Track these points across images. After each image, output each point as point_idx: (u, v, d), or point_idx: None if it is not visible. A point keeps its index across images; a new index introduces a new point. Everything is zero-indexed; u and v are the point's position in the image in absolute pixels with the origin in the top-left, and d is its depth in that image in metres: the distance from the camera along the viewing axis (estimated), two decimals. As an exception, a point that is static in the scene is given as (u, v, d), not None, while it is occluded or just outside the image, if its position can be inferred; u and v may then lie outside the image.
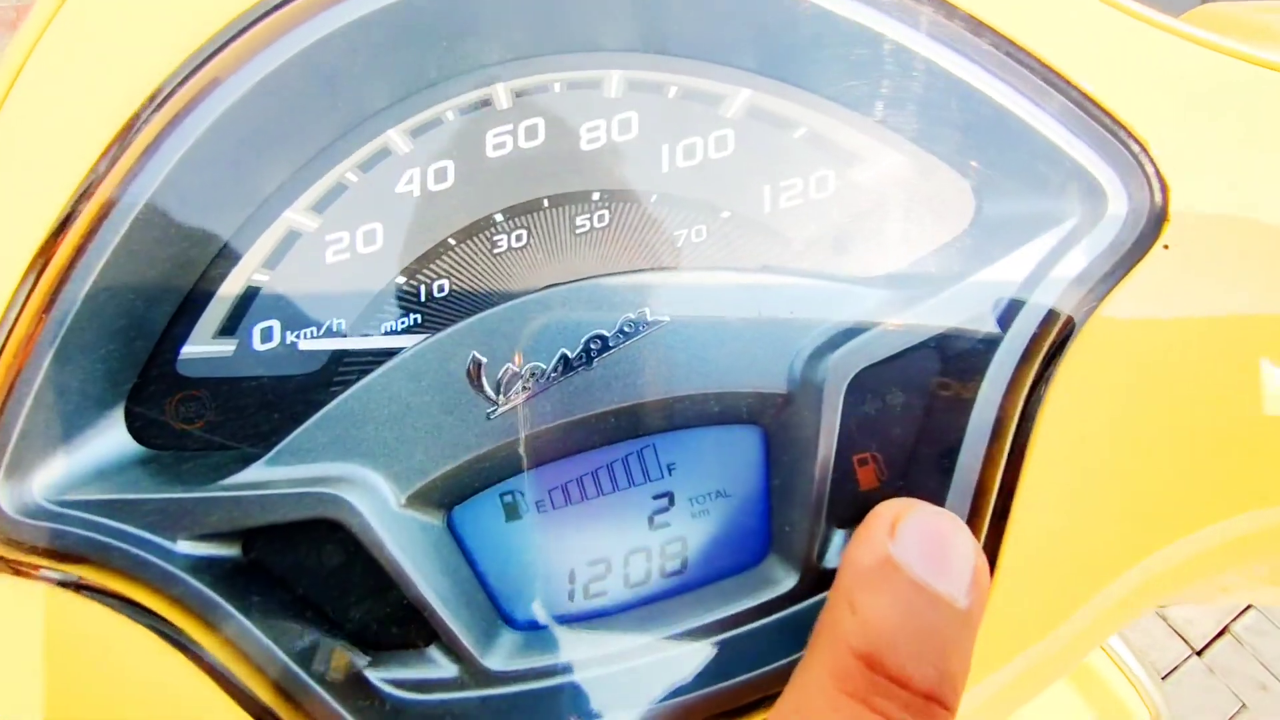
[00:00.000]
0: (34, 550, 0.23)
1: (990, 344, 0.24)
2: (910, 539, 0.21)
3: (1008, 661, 0.24)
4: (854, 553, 0.22)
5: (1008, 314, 0.24)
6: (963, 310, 0.24)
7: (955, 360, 0.24)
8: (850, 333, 0.24)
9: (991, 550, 0.24)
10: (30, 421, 0.23)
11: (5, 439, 0.23)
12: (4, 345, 0.23)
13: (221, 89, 0.23)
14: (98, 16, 0.23)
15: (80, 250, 0.23)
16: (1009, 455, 0.24)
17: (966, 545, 0.21)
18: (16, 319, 0.23)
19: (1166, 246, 0.24)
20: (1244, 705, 2.23)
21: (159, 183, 0.23)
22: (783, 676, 0.23)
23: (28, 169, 0.23)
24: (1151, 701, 0.54)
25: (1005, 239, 0.25)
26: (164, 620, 0.23)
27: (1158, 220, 0.24)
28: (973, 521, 0.24)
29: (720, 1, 0.24)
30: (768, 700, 0.23)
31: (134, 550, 0.23)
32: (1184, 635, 2.34)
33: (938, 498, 0.24)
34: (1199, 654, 2.31)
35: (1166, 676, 2.25)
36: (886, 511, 0.22)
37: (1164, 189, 0.24)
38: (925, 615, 0.20)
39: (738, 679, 0.23)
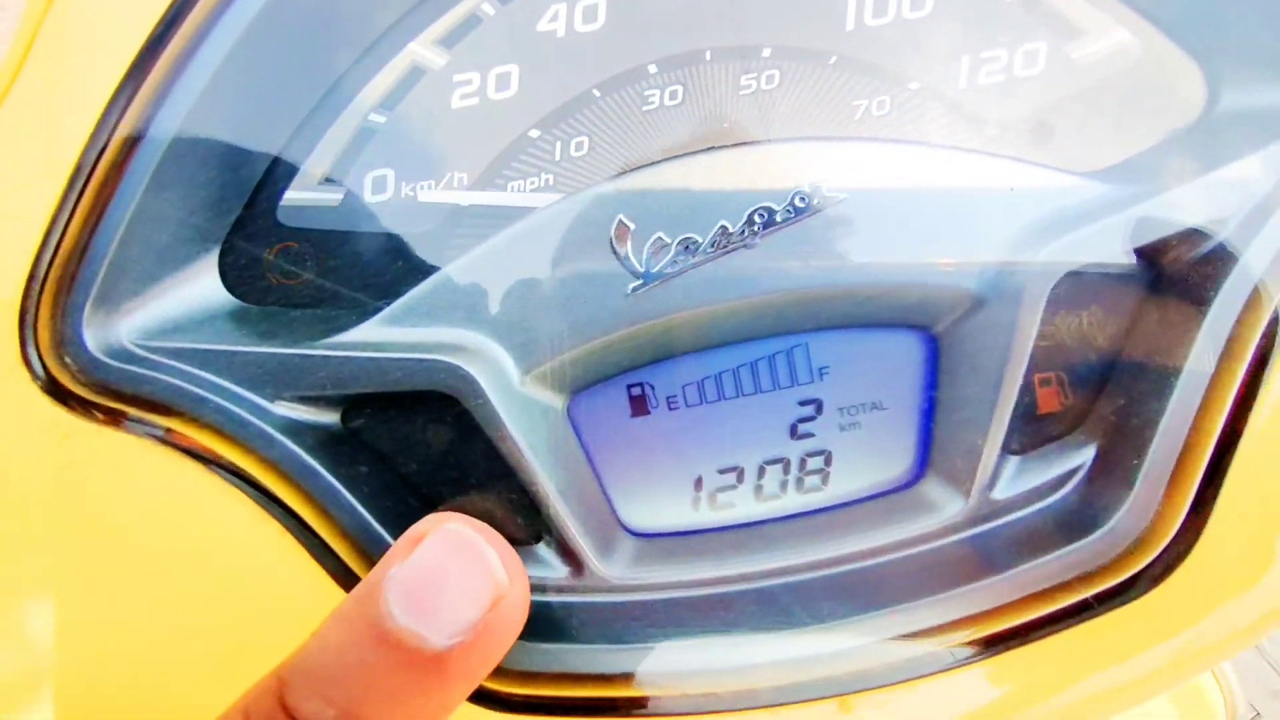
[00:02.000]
0: (120, 395, 0.21)
1: (1224, 259, 0.21)
2: (408, 570, 0.18)
3: (1206, 615, 0.20)
4: (377, 566, 0.19)
5: (1248, 225, 0.21)
6: (1192, 215, 0.21)
7: (1179, 274, 0.21)
8: (1059, 228, 0.21)
9: (1205, 495, 0.20)
10: (121, 253, 0.21)
11: (94, 269, 0.20)
12: (94, 168, 0.20)
13: None
14: None
15: (177, 70, 0.20)
16: (1238, 397, 0.20)
17: (480, 585, 0.18)
18: (107, 141, 0.20)
19: None
20: (1258, 714, 2.21)
21: None
22: (936, 612, 0.20)
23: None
24: (1229, 688, 0.51)
25: (1245, 136, 0.21)
26: (257, 484, 0.21)
27: None
28: (1179, 481, 0.20)
29: None
30: (918, 636, 0.20)
31: (229, 406, 0.21)
32: (1202, 638, 2.29)
33: (1146, 426, 0.21)
34: (1216, 658, 2.26)
35: (1180, 677, 2.21)
36: (423, 525, 0.19)
37: None
38: (362, 654, 0.17)
39: (884, 610, 0.20)
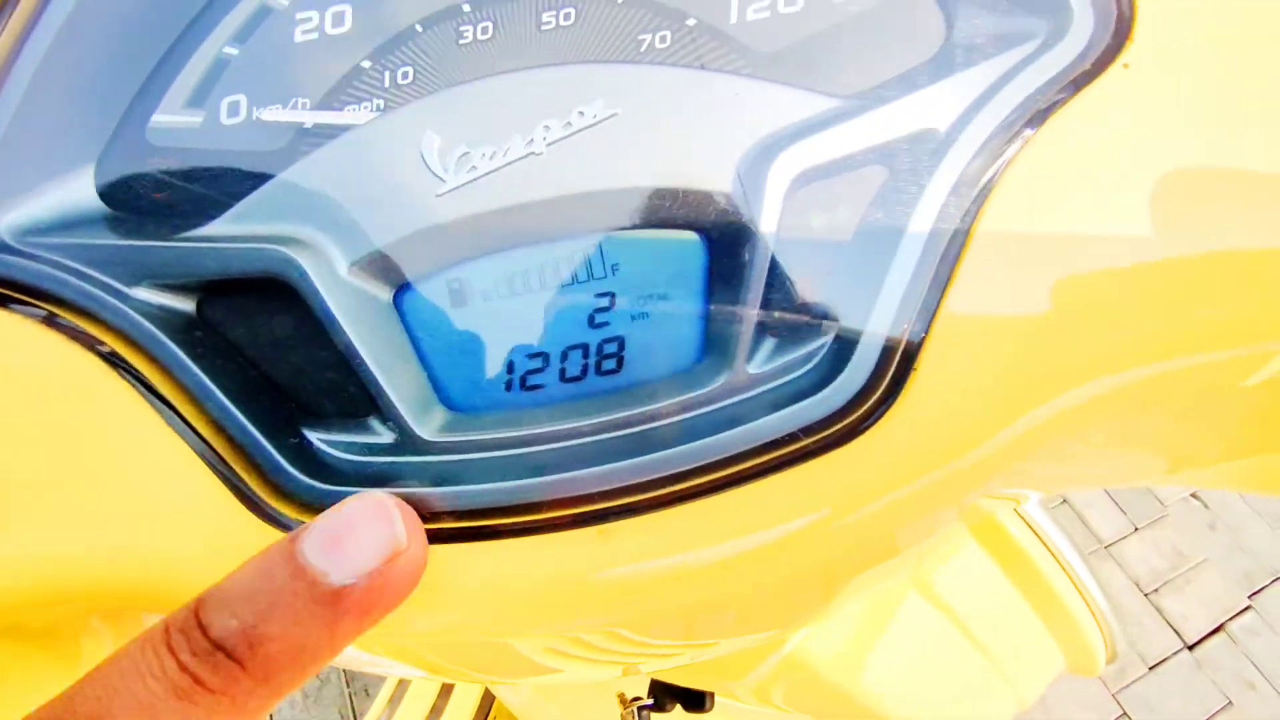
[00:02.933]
0: (1, 283, 0.24)
1: (935, 159, 0.24)
2: (325, 521, 0.22)
3: (905, 465, 0.24)
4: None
5: (954, 130, 0.24)
6: (911, 122, 0.24)
7: (899, 174, 0.24)
8: (797, 136, 0.24)
9: (902, 371, 0.24)
10: (0, 161, 0.24)
11: (-25, 173, 0.24)
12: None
13: None
14: None
15: (43, 4, 0.24)
16: (934, 277, 0.24)
17: (376, 534, 0.22)
18: None
19: (1126, 65, 0.23)
20: (1230, 702, 2.23)
21: None
22: (686, 457, 0.24)
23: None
24: (1108, 629, 0.55)
25: (967, 60, 0.25)
26: (117, 355, 0.24)
27: (1121, 38, 0.23)
28: (885, 356, 0.24)
29: None
30: (678, 478, 0.24)
31: (93, 290, 0.24)
32: (1178, 629, 2.33)
33: (864, 313, 0.24)
34: (1190, 649, 2.30)
35: (1155, 667, 2.25)
36: (354, 497, 0.23)
37: (1131, 4, 0.24)
38: (273, 581, 0.21)
39: (651, 455, 0.24)
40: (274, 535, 0.24)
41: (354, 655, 0.31)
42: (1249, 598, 2.36)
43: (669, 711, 0.76)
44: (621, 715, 0.81)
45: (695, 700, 0.72)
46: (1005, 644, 0.58)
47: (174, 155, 0.26)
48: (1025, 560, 0.56)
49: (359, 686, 2.02)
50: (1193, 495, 2.50)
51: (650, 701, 0.76)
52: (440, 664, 0.34)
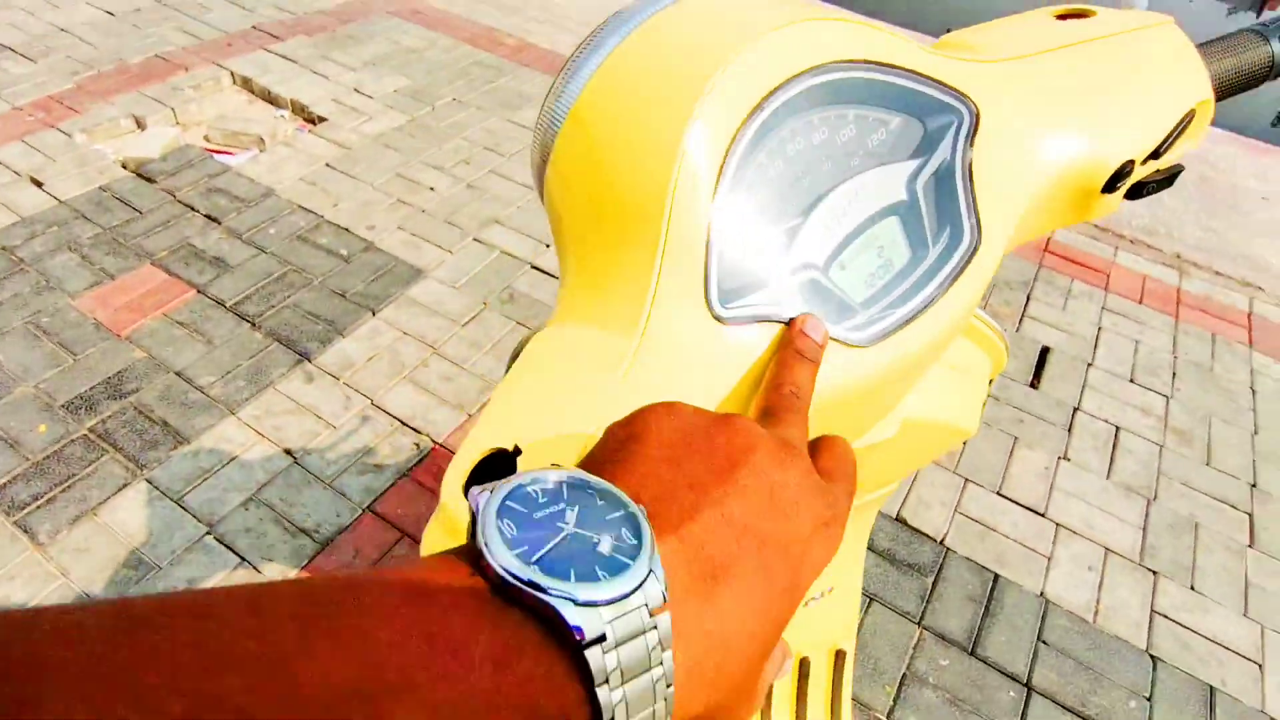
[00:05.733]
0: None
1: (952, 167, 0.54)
2: (809, 327, 0.38)
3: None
4: (785, 337, 0.38)
5: (954, 153, 0.46)
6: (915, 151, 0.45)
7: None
8: (915, 175, 0.46)
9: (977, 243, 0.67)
10: None
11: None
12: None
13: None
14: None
15: None
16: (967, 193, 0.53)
17: (819, 326, 0.38)
18: None
19: (979, 123, 0.62)
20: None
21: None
22: (929, 291, 0.48)
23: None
24: (1001, 336, 1.06)
25: (939, 133, 0.46)
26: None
27: (977, 118, 0.49)
28: (973, 231, 0.60)
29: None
30: (921, 308, 0.44)
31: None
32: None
33: (965, 224, 0.47)
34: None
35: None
36: (801, 319, 0.38)
37: (977, 110, 0.47)
38: (811, 354, 0.36)
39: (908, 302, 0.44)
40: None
41: None
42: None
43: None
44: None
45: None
46: (958, 357, 1.07)
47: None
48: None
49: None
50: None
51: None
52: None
